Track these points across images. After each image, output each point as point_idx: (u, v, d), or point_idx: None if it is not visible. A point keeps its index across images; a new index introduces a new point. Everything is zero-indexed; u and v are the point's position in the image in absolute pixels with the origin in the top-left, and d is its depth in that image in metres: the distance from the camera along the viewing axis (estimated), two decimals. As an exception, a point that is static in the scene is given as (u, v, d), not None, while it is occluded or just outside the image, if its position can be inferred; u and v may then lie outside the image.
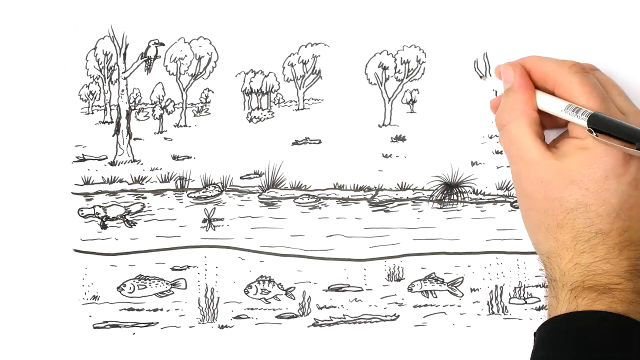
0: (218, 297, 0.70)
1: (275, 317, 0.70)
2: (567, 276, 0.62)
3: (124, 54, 0.71)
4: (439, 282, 0.70)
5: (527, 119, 0.63)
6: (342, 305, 0.71)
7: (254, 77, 0.71)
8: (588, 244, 0.61)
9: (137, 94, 0.71)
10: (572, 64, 0.64)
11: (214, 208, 0.71)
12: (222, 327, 0.70)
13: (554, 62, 0.65)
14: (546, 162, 0.62)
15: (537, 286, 0.70)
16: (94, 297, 0.70)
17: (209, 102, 0.71)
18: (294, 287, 0.71)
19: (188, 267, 0.71)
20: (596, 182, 0.61)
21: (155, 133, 0.71)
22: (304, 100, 0.71)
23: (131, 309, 0.70)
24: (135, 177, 0.71)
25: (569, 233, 0.62)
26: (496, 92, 0.69)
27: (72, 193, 0.71)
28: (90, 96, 0.71)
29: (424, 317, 0.70)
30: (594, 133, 0.60)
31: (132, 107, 0.71)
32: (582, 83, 0.63)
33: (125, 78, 0.71)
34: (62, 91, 0.71)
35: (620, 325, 0.59)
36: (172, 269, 0.70)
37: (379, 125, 0.71)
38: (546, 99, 0.64)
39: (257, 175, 0.71)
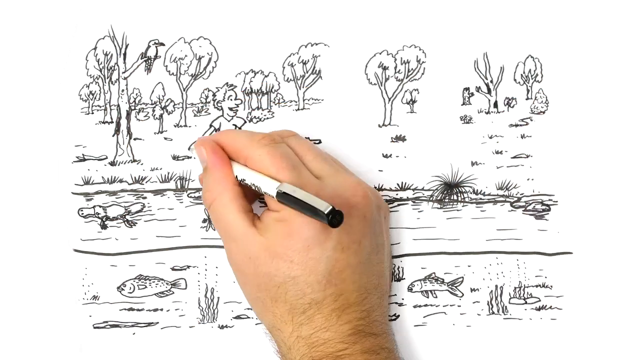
0: (218, 297, 0.70)
1: (275, 317, 0.70)
2: (294, 351, 0.61)
3: (124, 54, 0.71)
4: (439, 282, 0.70)
5: (229, 195, 0.63)
6: (342, 305, 0.71)
7: (254, 77, 0.71)
8: (304, 316, 0.61)
9: (137, 94, 0.71)
10: (261, 137, 0.64)
11: (214, 208, 0.71)
12: (222, 327, 0.70)
13: (244, 136, 0.65)
14: (252, 238, 0.62)
15: (537, 286, 0.70)
16: (94, 297, 0.70)
17: (209, 103, 0.71)
18: (294, 287, 0.71)
19: (188, 267, 0.71)
20: (299, 253, 0.61)
21: (155, 133, 0.71)
22: (304, 100, 0.71)
23: (131, 309, 0.70)
24: (135, 177, 0.71)
25: (284, 306, 0.62)
26: None
27: (72, 193, 0.71)
28: (90, 96, 0.71)
29: (424, 317, 0.70)
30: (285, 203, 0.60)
31: (132, 107, 0.71)
32: (270, 154, 0.62)
33: (125, 78, 0.71)
34: (62, 91, 0.71)
35: None
36: (172, 269, 0.70)
37: (379, 125, 0.71)
38: (241, 172, 0.64)
39: (257, 175, 0.71)
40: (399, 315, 0.70)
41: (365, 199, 0.63)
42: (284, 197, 0.60)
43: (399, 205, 0.70)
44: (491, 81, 0.71)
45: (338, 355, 0.60)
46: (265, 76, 0.71)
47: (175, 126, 0.71)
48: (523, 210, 0.70)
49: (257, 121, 0.71)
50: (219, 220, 0.64)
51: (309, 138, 0.71)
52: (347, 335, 0.61)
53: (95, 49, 0.71)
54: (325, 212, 0.57)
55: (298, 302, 0.61)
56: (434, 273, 0.70)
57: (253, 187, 0.63)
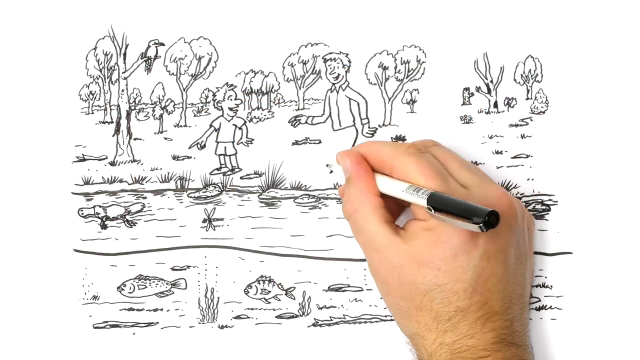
0: (218, 297, 0.70)
1: (275, 317, 0.70)
2: (435, 357, 0.62)
3: (124, 54, 0.71)
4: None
5: (370, 206, 0.63)
6: (342, 305, 0.71)
7: (254, 77, 0.71)
8: (450, 323, 0.61)
9: (137, 94, 0.71)
10: (407, 147, 0.64)
11: (214, 208, 0.71)
12: (222, 327, 0.70)
13: (389, 146, 0.65)
14: (395, 246, 0.62)
15: (537, 286, 0.70)
16: (94, 297, 0.70)
17: (209, 103, 0.71)
18: (294, 287, 0.71)
19: (188, 267, 0.71)
20: (446, 262, 0.61)
21: (155, 133, 0.71)
22: (304, 100, 0.71)
23: (131, 309, 0.70)
24: (135, 177, 0.71)
25: (429, 314, 0.62)
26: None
27: (72, 193, 0.71)
28: (90, 96, 0.71)
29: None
30: (433, 211, 0.59)
31: (132, 107, 0.71)
32: (417, 163, 0.62)
33: (125, 78, 0.71)
34: (62, 91, 0.71)
35: None
36: (172, 269, 0.70)
37: (379, 125, 0.71)
38: (386, 183, 0.64)
39: (257, 175, 0.71)
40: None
41: (511, 209, 0.63)
42: (434, 204, 0.60)
43: (399, 205, 0.70)
44: (491, 81, 0.71)
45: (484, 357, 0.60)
46: (265, 76, 0.71)
47: (175, 126, 0.71)
48: (523, 210, 0.70)
49: (257, 121, 0.71)
50: (360, 231, 0.64)
51: (308, 138, 0.71)
52: (491, 343, 0.61)
53: (95, 49, 0.71)
54: (485, 214, 0.57)
55: (444, 309, 0.61)
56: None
57: (399, 197, 0.63)
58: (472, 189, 0.63)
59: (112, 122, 0.71)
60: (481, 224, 0.57)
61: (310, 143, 0.71)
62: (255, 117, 0.71)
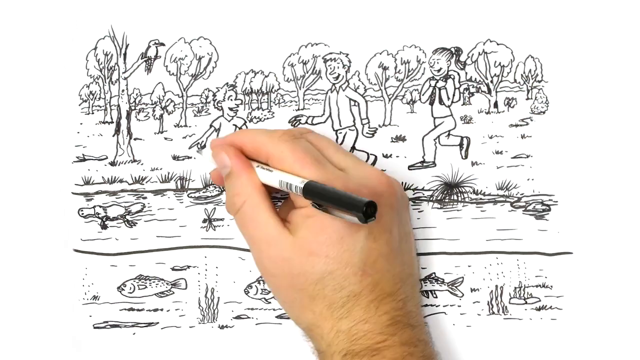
0: (218, 297, 0.70)
1: (276, 317, 0.70)
2: (333, 346, 0.61)
3: (124, 54, 0.71)
4: (439, 282, 0.70)
5: (259, 197, 0.63)
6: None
7: (254, 77, 0.71)
8: (344, 309, 0.61)
9: (137, 94, 0.71)
10: (281, 134, 0.64)
11: (214, 208, 0.71)
12: (222, 327, 0.70)
13: (263, 134, 0.64)
14: (284, 239, 0.62)
15: (537, 286, 0.70)
16: (94, 297, 0.70)
17: (209, 103, 0.71)
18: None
19: (188, 267, 0.71)
20: (334, 247, 0.60)
21: (155, 133, 0.71)
22: (304, 101, 0.71)
23: (131, 309, 0.70)
24: (135, 177, 0.71)
25: (323, 302, 0.61)
26: None
27: (72, 193, 0.71)
28: (91, 96, 0.71)
29: (424, 317, 0.70)
30: (314, 206, 0.60)
31: (133, 107, 0.71)
32: (293, 150, 0.62)
33: (125, 78, 0.71)
34: (62, 91, 0.71)
35: None
36: (173, 269, 0.70)
37: (379, 125, 0.71)
38: (264, 175, 0.63)
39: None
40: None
41: (390, 188, 0.63)
42: (311, 194, 0.60)
43: (399, 205, 0.70)
44: (491, 81, 0.71)
45: (377, 348, 0.60)
46: (266, 76, 0.71)
47: (175, 126, 0.71)
48: (523, 211, 0.70)
49: (257, 121, 0.71)
50: (248, 223, 0.64)
51: (309, 138, 0.71)
52: (386, 326, 0.61)
53: (95, 49, 0.71)
54: (363, 204, 0.56)
55: (336, 296, 0.61)
56: (434, 273, 0.70)
57: (277, 187, 0.63)
58: (350, 170, 0.63)
59: (112, 122, 0.71)
60: (361, 215, 0.56)
61: (310, 143, 0.71)
62: (255, 117, 0.71)
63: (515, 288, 0.70)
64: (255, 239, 0.64)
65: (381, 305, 0.61)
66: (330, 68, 0.71)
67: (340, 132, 0.71)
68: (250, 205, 0.63)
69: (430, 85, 0.71)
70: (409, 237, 0.65)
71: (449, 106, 0.70)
